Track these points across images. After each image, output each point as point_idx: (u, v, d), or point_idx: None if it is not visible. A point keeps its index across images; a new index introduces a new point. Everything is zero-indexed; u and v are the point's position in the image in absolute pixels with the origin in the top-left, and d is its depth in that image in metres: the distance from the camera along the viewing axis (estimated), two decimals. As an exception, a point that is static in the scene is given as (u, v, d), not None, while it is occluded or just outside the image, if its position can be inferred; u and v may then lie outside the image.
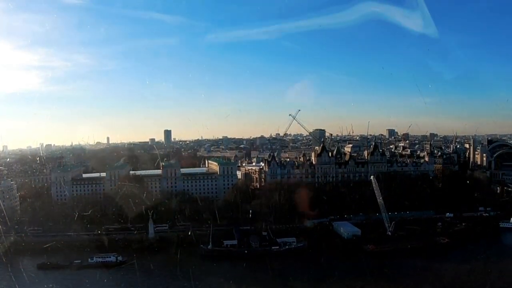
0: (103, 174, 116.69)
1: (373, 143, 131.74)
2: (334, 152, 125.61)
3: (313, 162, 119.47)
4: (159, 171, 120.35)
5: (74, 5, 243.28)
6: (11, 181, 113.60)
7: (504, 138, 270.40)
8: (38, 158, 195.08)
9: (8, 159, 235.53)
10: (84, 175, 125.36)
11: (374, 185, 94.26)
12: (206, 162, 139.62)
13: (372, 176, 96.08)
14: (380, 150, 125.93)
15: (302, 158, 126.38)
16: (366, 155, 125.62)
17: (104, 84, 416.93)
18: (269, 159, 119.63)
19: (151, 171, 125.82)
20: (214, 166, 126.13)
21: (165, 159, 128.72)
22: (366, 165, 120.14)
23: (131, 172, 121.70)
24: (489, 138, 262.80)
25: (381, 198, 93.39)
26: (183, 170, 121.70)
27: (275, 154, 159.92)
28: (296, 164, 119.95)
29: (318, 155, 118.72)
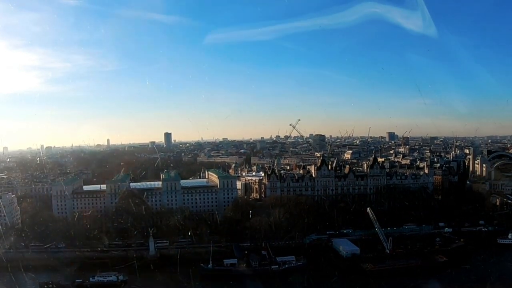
0: (103, 187, 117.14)
1: (373, 156, 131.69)
2: (334, 164, 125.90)
3: (313, 175, 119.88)
4: (159, 183, 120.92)
5: (74, 6, 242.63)
6: (12, 194, 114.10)
7: (504, 140, 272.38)
8: (38, 161, 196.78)
9: (8, 159, 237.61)
10: (85, 187, 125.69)
11: (370, 215, 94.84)
12: (206, 173, 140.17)
13: (368, 209, 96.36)
14: (380, 163, 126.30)
15: (302, 170, 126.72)
16: (365, 168, 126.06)
17: (104, 85, 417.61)
18: (269, 172, 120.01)
19: (151, 183, 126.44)
20: (214, 178, 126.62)
21: (165, 170, 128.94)
22: (366, 178, 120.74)
23: (132, 184, 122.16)
24: (489, 141, 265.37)
25: (377, 224, 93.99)
26: (183, 182, 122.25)
27: (275, 163, 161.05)
28: (296, 177, 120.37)
29: (318, 169, 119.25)
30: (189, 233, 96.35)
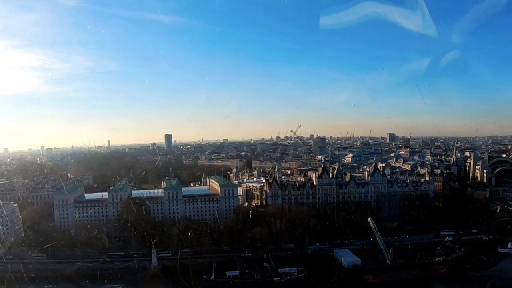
0: (105, 194, 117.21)
1: (374, 164, 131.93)
2: (335, 171, 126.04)
3: (314, 183, 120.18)
4: (160, 191, 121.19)
5: (73, 6, 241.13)
6: (14, 203, 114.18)
7: (505, 141, 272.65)
8: (38, 163, 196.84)
9: (8, 160, 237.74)
10: (87, 195, 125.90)
11: (372, 225, 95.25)
12: (208, 180, 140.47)
13: (369, 218, 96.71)
14: (380, 171, 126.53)
15: (303, 178, 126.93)
16: (366, 175, 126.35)
17: (105, 86, 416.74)
18: (270, 180, 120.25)
19: (153, 190, 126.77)
20: (215, 185, 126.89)
21: (166, 178, 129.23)
22: (367, 185, 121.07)
23: (133, 192, 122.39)
24: (490, 142, 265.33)
25: (378, 234, 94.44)
26: (185, 190, 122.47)
27: (276, 168, 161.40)
28: (297, 185, 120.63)
29: (319, 176, 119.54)
30: (191, 244, 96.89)
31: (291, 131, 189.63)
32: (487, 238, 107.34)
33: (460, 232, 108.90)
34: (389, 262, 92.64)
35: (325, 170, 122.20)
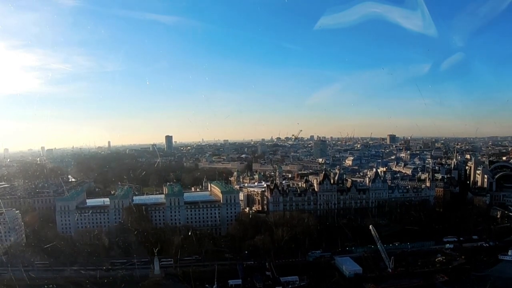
0: (106, 200, 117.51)
1: (374, 170, 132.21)
2: (336, 177, 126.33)
3: (315, 189, 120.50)
4: (162, 197, 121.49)
5: (73, 6, 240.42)
6: (16, 210, 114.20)
7: (505, 142, 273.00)
8: (38, 163, 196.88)
9: (8, 160, 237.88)
10: (88, 201, 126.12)
11: (373, 233, 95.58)
12: (209, 185, 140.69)
13: (370, 226, 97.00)
14: (381, 177, 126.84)
15: (304, 183, 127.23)
16: (367, 181, 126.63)
17: (105, 86, 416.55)
18: (272, 187, 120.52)
19: (154, 196, 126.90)
20: (217, 191, 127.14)
21: (168, 183, 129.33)
22: (368, 192, 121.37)
23: (135, 198, 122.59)
24: (490, 143, 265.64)
25: (380, 242, 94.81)
26: (186, 196, 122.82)
27: (277, 172, 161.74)
28: (299, 191, 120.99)
29: (320, 183, 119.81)
30: (193, 251, 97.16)
31: (292, 135, 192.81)
32: (487, 245, 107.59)
33: (461, 238, 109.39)
34: (390, 270, 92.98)
35: (326, 176, 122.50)
